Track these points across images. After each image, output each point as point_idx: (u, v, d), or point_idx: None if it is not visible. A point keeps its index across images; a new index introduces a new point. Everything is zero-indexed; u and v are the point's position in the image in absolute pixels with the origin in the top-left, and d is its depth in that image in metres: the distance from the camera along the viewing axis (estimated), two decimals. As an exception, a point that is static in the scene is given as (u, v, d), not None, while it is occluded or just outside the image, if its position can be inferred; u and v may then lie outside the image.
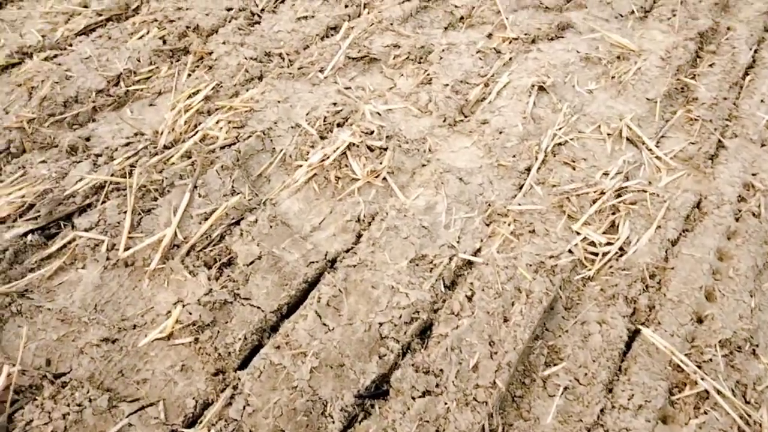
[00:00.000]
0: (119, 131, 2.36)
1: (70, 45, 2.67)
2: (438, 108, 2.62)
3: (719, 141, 2.64)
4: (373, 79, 2.80)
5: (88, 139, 2.32)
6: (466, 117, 2.66)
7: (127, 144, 2.28)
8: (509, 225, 2.19)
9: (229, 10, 2.96)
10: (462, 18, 3.21)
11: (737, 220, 2.32)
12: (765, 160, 2.58)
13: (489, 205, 2.26)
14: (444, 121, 2.59)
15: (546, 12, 3.33)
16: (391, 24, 3.00)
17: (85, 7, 2.85)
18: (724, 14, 3.47)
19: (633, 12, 3.33)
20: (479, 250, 2.13)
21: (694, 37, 3.14)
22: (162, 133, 2.34)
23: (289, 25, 2.95)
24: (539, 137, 2.55)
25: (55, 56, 2.59)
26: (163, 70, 2.62)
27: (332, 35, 2.98)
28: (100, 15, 2.83)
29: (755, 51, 3.18)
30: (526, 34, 3.12)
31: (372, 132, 2.41)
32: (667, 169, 2.50)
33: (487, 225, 2.21)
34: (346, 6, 3.10)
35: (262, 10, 3.03)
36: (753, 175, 2.51)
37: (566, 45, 3.08)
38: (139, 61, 2.61)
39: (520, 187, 2.36)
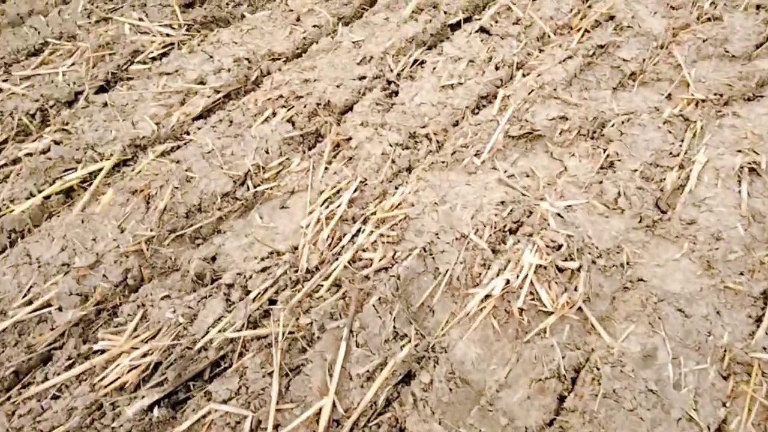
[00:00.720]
0: (250, 247, 1.97)
1: (188, 133, 2.31)
2: (630, 204, 2.10)
3: None
4: (539, 161, 2.30)
5: (214, 259, 1.93)
6: (664, 213, 2.12)
7: (263, 269, 1.88)
8: (757, 382, 1.64)
9: (362, 78, 2.52)
10: (633, 74, 2.67)
11: None
12: None
13: (724, 350, 1.72)
14: (640, 221, 2.06)
15: (732, 62, 2.74)
16: (554, 89, 2.49)
17: (202, 83, 2.48)
18: None
19: None
20: (725, 421, 1.60)
21: None
22: (302, 250, 1.93)
23: (432, 96, 2.49)
24: (767, 243, 1.99)
25: (172, 150, 2.23)
26: (294, 162, 2.21)
27: (484, 106, 2.49)
28: (218, 92, 2.45)
29: None
30: (715, 94, 2.54)
31: (560, 246, 1.92)
32: None
33: (725, 378, 1.68)
34: (497, 68, 2.61)
35: (398, 75, 2.58)
36: None
37: (769, 107, 2.49)
38: (267, 152, 2.21)
39: (759, 320, 1.81)
